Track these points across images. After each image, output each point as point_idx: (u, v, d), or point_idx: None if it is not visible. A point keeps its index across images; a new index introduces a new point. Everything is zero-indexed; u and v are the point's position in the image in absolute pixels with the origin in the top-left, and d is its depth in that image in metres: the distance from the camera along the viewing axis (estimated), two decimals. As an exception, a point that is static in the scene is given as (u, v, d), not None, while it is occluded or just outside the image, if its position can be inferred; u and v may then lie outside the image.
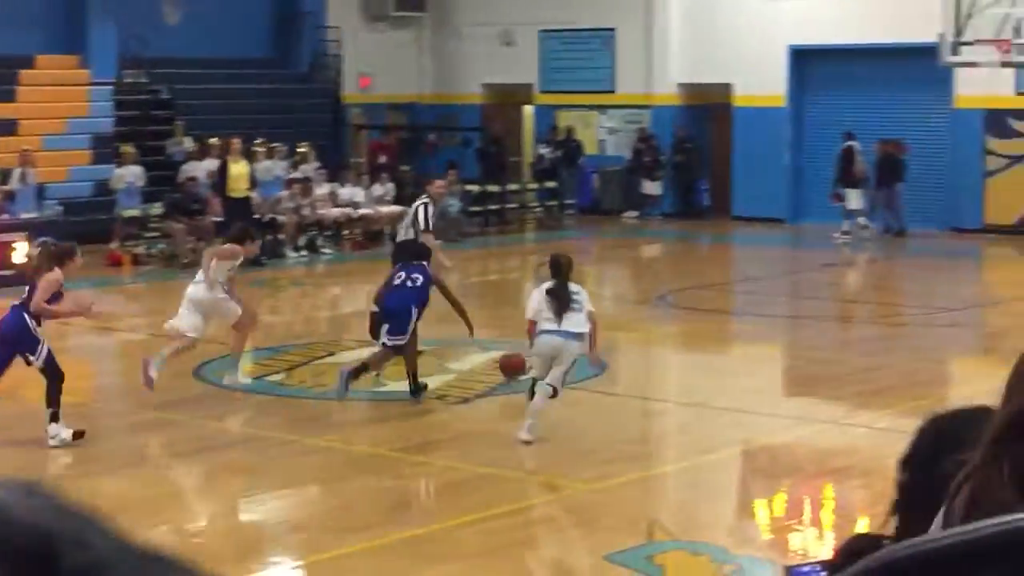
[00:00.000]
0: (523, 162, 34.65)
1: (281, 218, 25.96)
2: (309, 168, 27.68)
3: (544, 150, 33.11)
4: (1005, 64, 23.97)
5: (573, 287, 12.87)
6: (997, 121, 28.47)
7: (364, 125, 34.01)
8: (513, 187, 31.96)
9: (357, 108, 34.33)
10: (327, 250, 26.74)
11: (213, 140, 26.89)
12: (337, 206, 27.25)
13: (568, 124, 33.39)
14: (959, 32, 23.37)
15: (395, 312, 14.25)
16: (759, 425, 13.77)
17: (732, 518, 11.25)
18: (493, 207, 31.09)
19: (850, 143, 28.48)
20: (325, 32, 33.23)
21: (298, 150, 28.13)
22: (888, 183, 28.59)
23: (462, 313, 14.48)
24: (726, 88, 31.67)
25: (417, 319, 14.27)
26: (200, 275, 14.55)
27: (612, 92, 33.54)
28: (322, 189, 27.09)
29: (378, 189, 28.27)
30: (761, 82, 30.97)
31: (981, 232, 28.29)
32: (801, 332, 19.82)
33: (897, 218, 28.67)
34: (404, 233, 16.88)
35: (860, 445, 12.82)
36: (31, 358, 12.45)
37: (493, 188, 31.04)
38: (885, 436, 12.33)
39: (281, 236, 25.91)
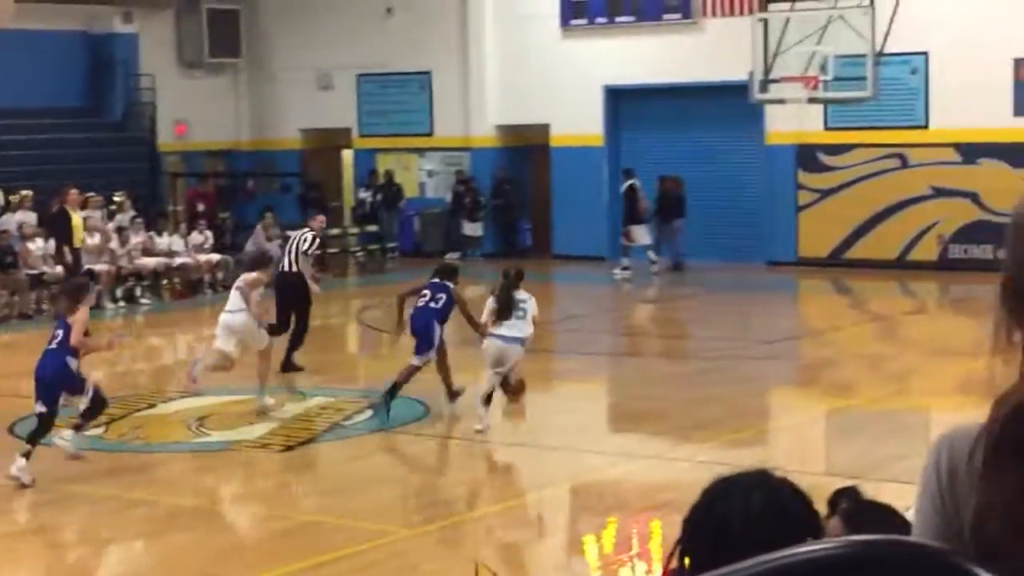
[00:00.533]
0: (344, 206, 34.57)
1: (99, 267, 25.51)
2: (125, 217, 27.27)
3: (364, 194, 33.07)
4: (812, 100, 24.53)
5: (521, 295, 14.54)
6: (808, 156, 29.12)
7: (181, 173, 33.62)
8: (334, 232, 31.82)
9: (173, 156, 33.94)
10: (145, 300, 26.34)
11: (25, 192, 26.37)
12: (155, 255, 26.88)
13: (388, 168, 33.42)
14: (768, 70, 23.86)
15: (420, 330, 15.32)
16: (584, 462, 13.84)
17: (559, 556, 11.29)
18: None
19: (631, 181, 29.23)
20: (139, 80, 32.81)
21: (114, 199, 27.71)
22: (668, 219, 29.43)
23: (476, 327, 15.28)
24: (544, 128, 31.96)
25: (441, 333, 15.45)
26: (233, 304, 15.88)
27: (430, 135, 33.64)
28: (139, 238, 26.71)
29: (197, 237, 27.96)
30: (578, 122, 31.31)
31: (795, 265, 28.87)
32: (623, 368, 20.01)
33: (675, 252, 29.45)
34: (287, 265, 18.61)
35: (683, 479, 12.95)
36: (79, 398, 12.84)
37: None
38: (708, 469, 12.44)
39: (99, 287, 25.46)
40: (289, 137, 35.30)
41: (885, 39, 23.25)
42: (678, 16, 30.10)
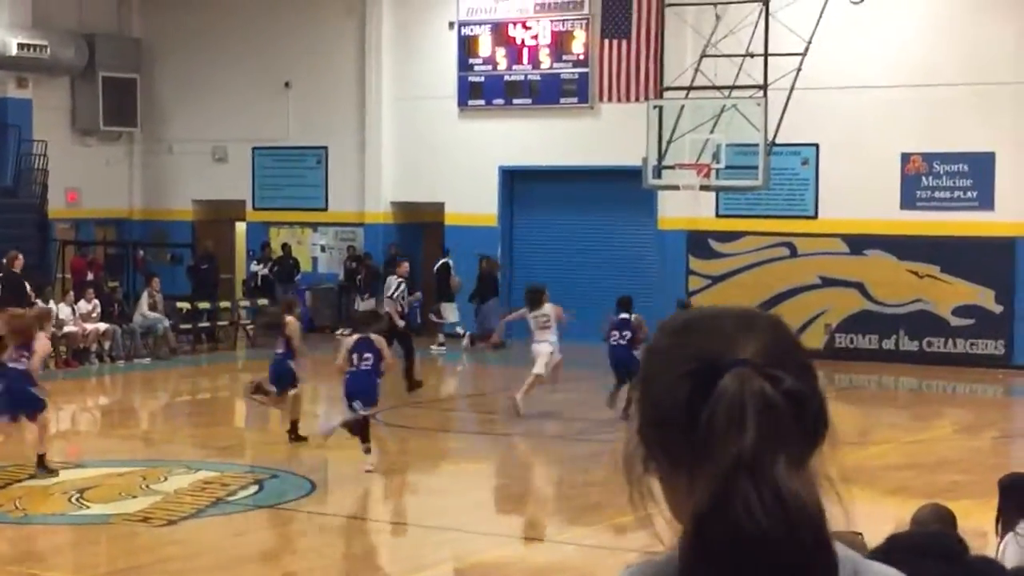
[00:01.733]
0: (235, 279, 34.36)
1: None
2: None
3: (256, 267, 32.91)
4: (704, 187, 24.81)
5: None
6: (699, 242, 29.43)
7: (71, 240, 33.27)
8: (224, 304, 31.59)
9: (64, 223, 33.60)
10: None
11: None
12: None
13: (283, 241, 33.32)
14: (662, 156, 24.12)
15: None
16: (470, 543, 13.78)
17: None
18: (204, 324, 30.67)
19: (445, 259, 30.51)
20: (31, 146, 32.48)
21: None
22: (485, 298, 30.51)
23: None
24: (439, 206, 32.05)
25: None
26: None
27: (325, 210, 33.61)
28: (26, 306, 26.35)
29: (84, 306, 27.63)
30: (473, 201, 31.45)
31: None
32: (512, 449, 19.98)
33: (487, 327, 29.69)
34: (380, 306, 23.74)
35: (571, 561, 12.94)
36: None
37: (204, 305, 30.63)
38: (593, 552, 12.48)
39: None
40: (182, 208, 35.11)
41: (777, 130, 23.63)
42: (575, 100, 30.41)
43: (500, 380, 26.30)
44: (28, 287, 26.33)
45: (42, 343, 14.90)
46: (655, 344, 2.05)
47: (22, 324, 15.50)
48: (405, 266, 25.00)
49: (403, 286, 23.97)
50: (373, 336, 16.40)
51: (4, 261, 26.99)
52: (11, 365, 15.09)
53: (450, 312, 29.97)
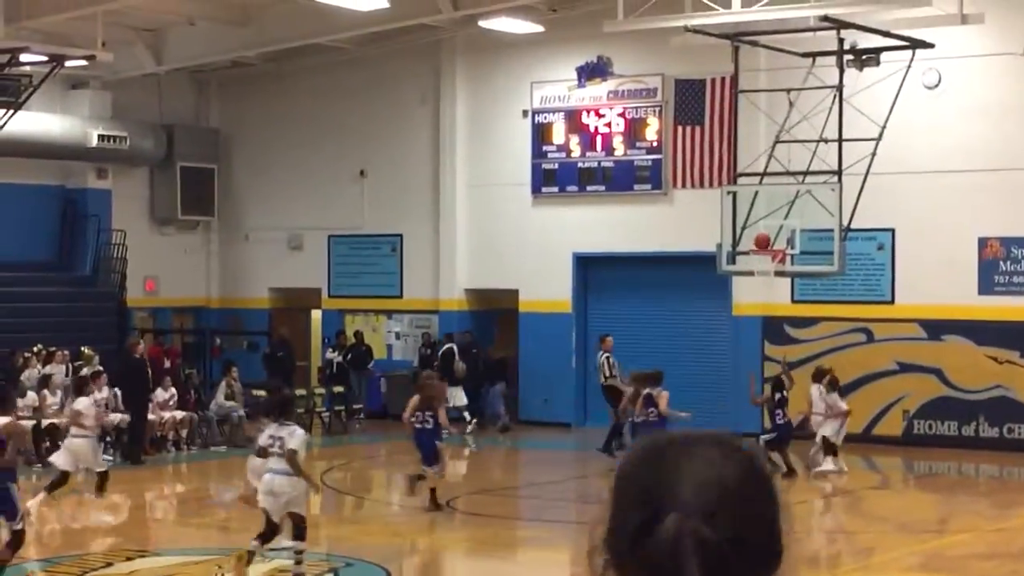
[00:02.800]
0: (311, 366, 34.50)
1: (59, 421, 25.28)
2: (90, 373, 27.10)
3: (331, 354, 33.03)
4: (779, 273, 24.71)
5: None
6: (774, 328, 29.25)
7: (148, 329, 33.57)
8: (300, 392, 31.66)
9: (143, 312, 33.94)
10: (107, 457, 26.05)
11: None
12: (118, 411, 26.69)
13: (356, 328, 33.45)
14: (736, 242, 24.06)
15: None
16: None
17: None
18: (280, 412, 30.69)
19: (450, 344, 30.92)
20: (110, 235, 32.89)
21: (82, 354, 27.63)
22: (492, 382, 31.19)
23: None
24: (513, 293, 32.09)
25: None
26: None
27: (400, 297, 33.74)
28: (103, 394, 26.50)
29: (161, 394, 27.78)
30: (546, 288, 31.47)
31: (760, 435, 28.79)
32: (586, 537, 19.80)
33: (498, 413, 30.97)
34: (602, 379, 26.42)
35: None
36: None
37: (280, 392, 30.68)
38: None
39: (60, 442, 25.21)
40: (258, 296, 35.36)
41: (852, 215, 23.53)
42: (648, 186, 30.44)
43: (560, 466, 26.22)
44: (150, 372, 26.70)
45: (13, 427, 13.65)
46: (620, 470, 2.16)
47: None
48: (610, 340, 27.22)
49: (609, 359, 26.72)
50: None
51: (127, 347, 27.43)
52: None
53: (456, 396, 29.91)
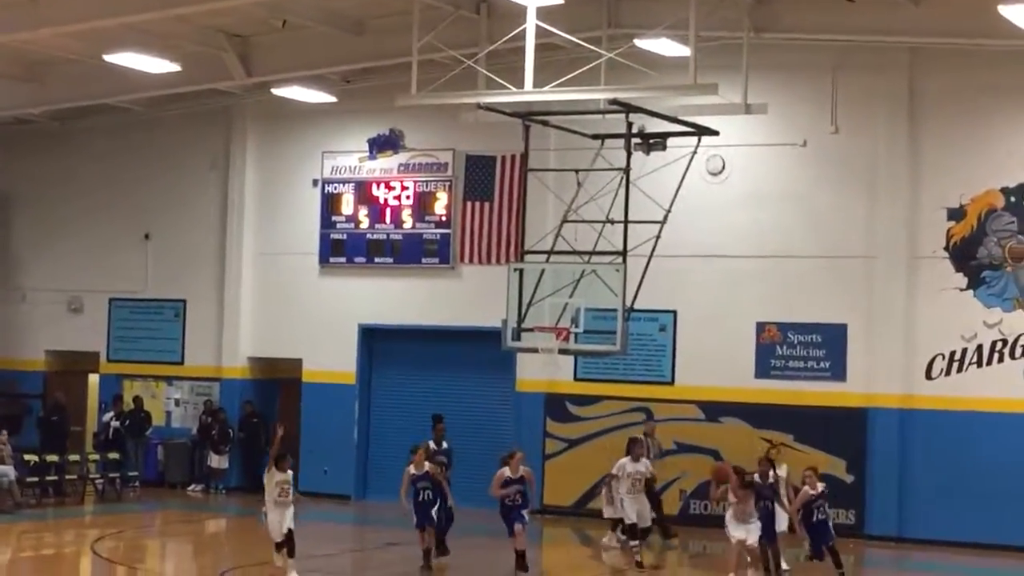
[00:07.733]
0: (86, 431, 33.75)
1: None
2: None
3: (108, 417, 32.36)
4: (563, 351, 24.85)
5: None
6: (557, 405, 29.48)
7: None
8: (74, 457, 30.93)
9: (-93, 370, 32.90)
10: None
11: None
12: None
13: (135, 394, 32.86)
14: (521, 318, 24.18)
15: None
16: None
17: None
18: (51, 477, 29.98)
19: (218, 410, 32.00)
20: None
21: None
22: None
23: None
24: (297, 363, 31.83)
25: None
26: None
27: (181, 363, 33.23)
28: None
29: (-73, 456, 26.91)
30: (331, 358, 31.31)
31: (540, 513, 28.91)
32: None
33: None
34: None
35: None
36: None
37: (52, 458, 29.99)
38: None
39: None
40: (34, 358, 34.54)
41: (635, 296, 23.82)
42: (436, 260, 30.54)
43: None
44: None
45: None
46: None
47: None
48: (652, 424, 27.45)
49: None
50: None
51: None
52: None
53: (216, 461, 31.79)
